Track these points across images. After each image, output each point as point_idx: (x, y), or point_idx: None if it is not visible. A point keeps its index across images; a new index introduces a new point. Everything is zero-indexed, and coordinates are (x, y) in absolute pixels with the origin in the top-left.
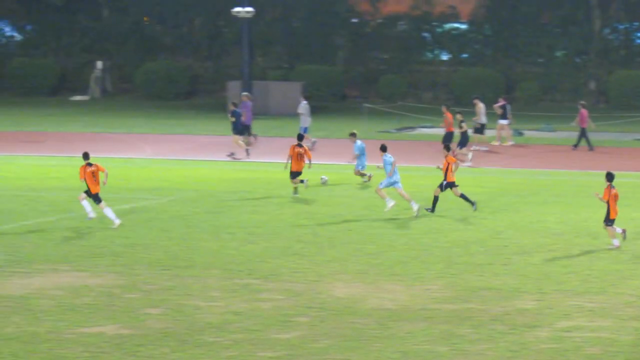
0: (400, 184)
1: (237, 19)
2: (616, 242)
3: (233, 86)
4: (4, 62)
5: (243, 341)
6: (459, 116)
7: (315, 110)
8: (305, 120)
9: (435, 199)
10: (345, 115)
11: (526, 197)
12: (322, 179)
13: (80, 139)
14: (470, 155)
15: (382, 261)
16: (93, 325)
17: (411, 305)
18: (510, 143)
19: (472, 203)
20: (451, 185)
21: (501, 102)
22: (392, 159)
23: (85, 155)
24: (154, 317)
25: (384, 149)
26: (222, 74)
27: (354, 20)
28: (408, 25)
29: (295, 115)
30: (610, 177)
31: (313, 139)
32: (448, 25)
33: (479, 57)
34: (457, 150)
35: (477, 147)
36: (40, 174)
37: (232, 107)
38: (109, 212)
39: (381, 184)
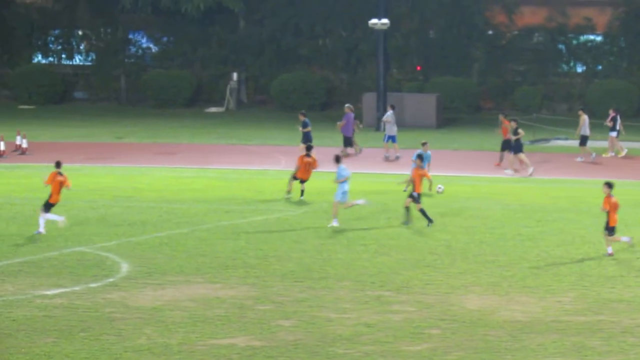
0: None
1: (373, 30)
2: (610, 249)
3: (368, 98)
4: (139, 73)
5: (374, 353)
6: (513, 123)
7: (449, 122)
8: (392, 129)
9: (423, 212)
10: (480, 127)
11: None
12: (438, 188)
13: (215, 151)
14: (531, 169)
15: (514, 273)
16: (224, 337)
17: (543, 317)
18: (624, 153)
19: (429, 220)
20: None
21: (612, 115)
22: (347, 173)
23: (58, 164)
24: (285, 329)
25: (337, 160)
26: (357, 86)
27: (490, 32)
28: (543, 37)
29: (428, 127)
30: (609, 185)
31: (389, 153)
32: (583, 37)
33: (613, 69)
34: (511, 157)
35: (581, 159)
36: (174, 185)
37: (301, 118)
38: (49, 217)
39: (338, 196)
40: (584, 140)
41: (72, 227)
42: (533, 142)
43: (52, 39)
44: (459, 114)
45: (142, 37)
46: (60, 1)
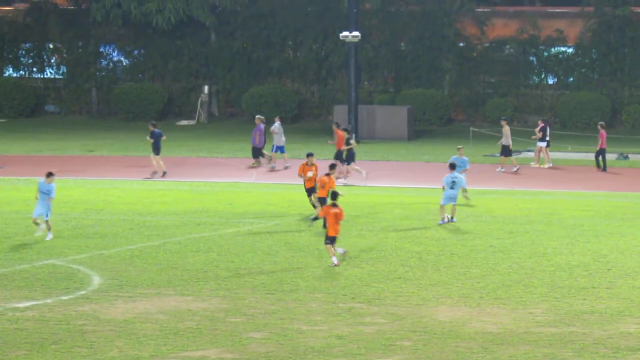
0: None
1: (344, 42)
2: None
3: (339, 110)
4: (110, 86)
5: None
6: (345, 133)
7: (421, 135)
8: (279, 140)
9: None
10: (451, 139)
11: (631, 221)
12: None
13: (186, 163)
14: (364, 172)
15: (485, 285)
16: (196, 349)
17: (514, 329)
18: (548, 165)
19: (311, 220)
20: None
21: (541, 125)
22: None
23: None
24: (256, 341)
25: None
26: (328, 98)
27: (461, 44)
28: (515, 49)
29: (399, 139)
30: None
31: (271, 164)
32: (555, 49)
33: (585, 81)
34: (345, 167)
35: (501, 169)
36: (145, 198)
37: (151, 128)
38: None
39: None
40: (505, 150)
41: (43, 239)
42: (520, 152)
43: (23, 52)
44: (430, 126)
45: (113, 50)
46: (31, 14)
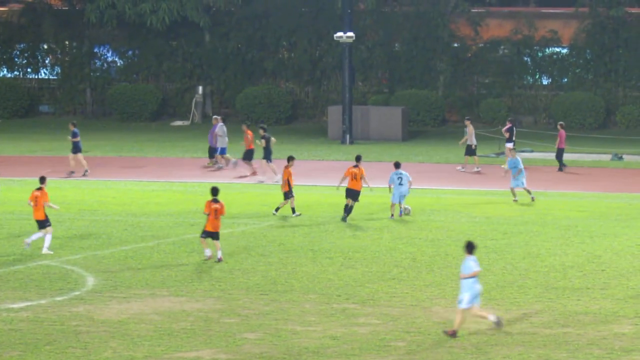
0: None
1: (338, 43)
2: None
3: (333, 111)
4: (104, 87)
5: None
6: (261, 131)
7: (415, 135)
8: (223, 141)
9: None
10: (445, 139)
11: (626, 222)
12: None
13: (181, 164)
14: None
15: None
16: (190, 350)
17: (508, 330)
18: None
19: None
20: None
21: (508, 125)
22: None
23: (42, 179)
24: (251, 342)
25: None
26: (322, 99)
27: (455, 44)
28: (509, 50)
29: (394, 140)
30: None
31: (233, 160)
32: (549, 50)
33: (579, 82)
34: (264, 164)
35: (461, 168)
36: (139, 199)
37: (71, 127)
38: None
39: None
40: (469, 150)
41: (37, 241)
42: (498, 154)
43: (17, 52)
44: (424, 126)
45: (108, 51)
46: (26, 15)
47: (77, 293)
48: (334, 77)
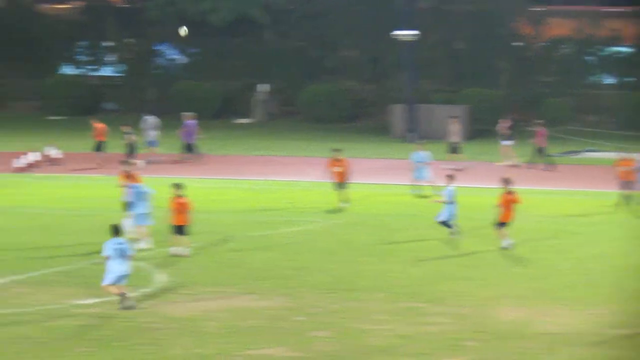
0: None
1: (398, 41)
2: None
3: (395, 109)
4: (167, 85)
5: None
6: (126, 128)
7: (479, 134)
8: (150, 135)
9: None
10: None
11: None
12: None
13: (244, 162)
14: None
15: (548, 285)
16: (260, 348)
17: (581, 330)
18: (506, 163)
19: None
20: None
21: (507, 123)
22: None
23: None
24: (320, 340)
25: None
26: (384, 97)
27: (517, 43)
28: (571, 49)
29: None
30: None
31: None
32: (612, 49)
33: None
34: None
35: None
36: (204, 196)
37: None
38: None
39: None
40: (455, 148)
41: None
42: (563, 154)
43: (80, 50)
44: (488, 125)
45: (169, 49)
46: (88, 13)
47: (146, 290)
48: (395, 75)
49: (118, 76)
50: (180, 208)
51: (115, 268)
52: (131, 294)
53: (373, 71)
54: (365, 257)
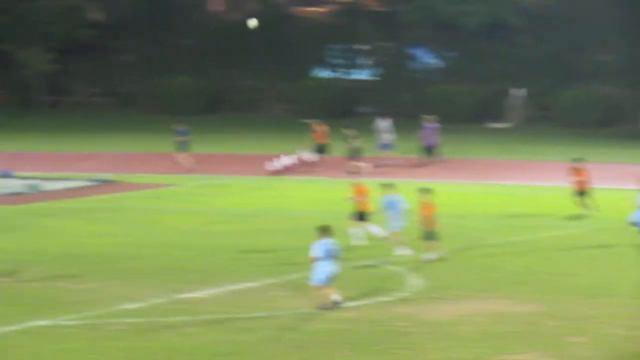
0: None
1: None
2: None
3: None
4: (422, 88)
5: None
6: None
7: None
8: (383, 138)
9: None
10: None
11: None
12: None
13: (500, 166)
14: None
15: None
16: (516, 353)
17: None
18: None
19: None
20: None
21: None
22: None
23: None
24: (576, 346)
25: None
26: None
27: None
28: None
29: None
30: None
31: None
32: None
33: None
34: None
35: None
36: (459, 200)
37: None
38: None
39: None
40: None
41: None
42: None
43: (334, 53)
44: None
45: (424, 52)
46: (342, 15)
47: (401, 294)
48: None
49: (372, 79)
50: (429, 213)
51: (325, 269)
52: (338, 297)
53: (630, 76)
54: (626, 264)
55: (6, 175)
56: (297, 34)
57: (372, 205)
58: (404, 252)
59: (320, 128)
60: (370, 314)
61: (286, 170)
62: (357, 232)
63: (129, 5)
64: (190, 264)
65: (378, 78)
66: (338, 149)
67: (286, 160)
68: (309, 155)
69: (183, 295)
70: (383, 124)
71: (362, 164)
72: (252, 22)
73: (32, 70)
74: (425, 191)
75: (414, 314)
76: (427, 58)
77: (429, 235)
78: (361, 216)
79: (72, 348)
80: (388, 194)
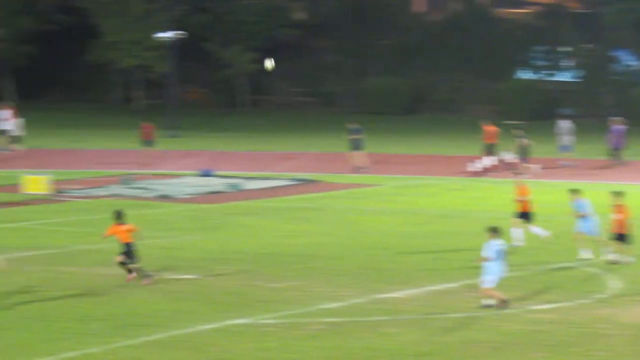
0: None
1: None
2: None
3: None
4: (626, 91)
5: None
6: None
7: None
8: (563, 140)
9: None
10: None
11: None
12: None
13: None
14: None
15: None
16: None
17: None
18: None
19: None
20: None
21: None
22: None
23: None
24: None
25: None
26: None
27: None
28: None
29: None
30: None
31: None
32: None
33: None
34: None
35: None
36: None
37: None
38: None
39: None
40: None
41: (553, 241)
42: None
43: (537, 54)
44: None
45: (627, 55)
46: (545, 17)
47: (601, 296)
48: None
49: (574, 82)
50: (622, 216)
51: (495, 270)
52: (508, 297)
53: None
54: None
55: (207, 175)
56: (499, 35)
57: (534, 205)
58: (586, 255)
59: (489, 129)
60: (568, 316)
61: (486, 172)
62: (517, 233)
63: (332, 6)
64: (390, 264)
65: (580, 80)
66: (540, 151)
67: (487, 161)
68: (510, 157)
69: (383, 295)
70: (564, 126)
71: (531, 165)
72: (269, 63)
73: (235, 69)
74: (618, 194)
75: (613, 316)
76: (629, 60)
77: (622, 238)
78: (524, 216)
79: (270, 347)
80: (576, 199)
